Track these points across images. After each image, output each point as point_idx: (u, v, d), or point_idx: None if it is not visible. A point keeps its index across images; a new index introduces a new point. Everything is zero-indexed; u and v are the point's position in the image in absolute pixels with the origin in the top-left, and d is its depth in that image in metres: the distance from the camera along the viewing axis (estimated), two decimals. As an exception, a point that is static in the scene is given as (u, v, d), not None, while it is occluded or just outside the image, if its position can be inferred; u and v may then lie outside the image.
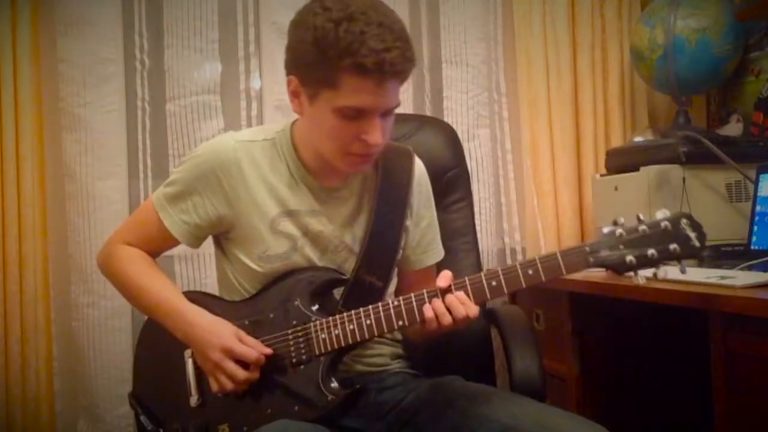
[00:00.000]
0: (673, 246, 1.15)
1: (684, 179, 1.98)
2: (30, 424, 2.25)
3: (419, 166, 1.47)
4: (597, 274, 1.91)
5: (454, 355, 1.54)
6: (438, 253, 1.51)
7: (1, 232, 2.24)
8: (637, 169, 2.06)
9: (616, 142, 2.51)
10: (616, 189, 2.19)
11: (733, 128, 2.36)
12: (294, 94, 1.28)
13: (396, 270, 1.44)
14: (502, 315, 1.65)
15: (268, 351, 1.29)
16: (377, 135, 1.23)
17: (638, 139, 2.35)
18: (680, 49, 2.23)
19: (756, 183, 1.91)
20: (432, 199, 1.50)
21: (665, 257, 1.16)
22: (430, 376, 1.43)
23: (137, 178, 2.34)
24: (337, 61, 1.17)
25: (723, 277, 1.52)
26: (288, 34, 1.26)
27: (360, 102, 1.20)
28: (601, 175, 2.33)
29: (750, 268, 1.66)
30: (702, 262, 1.86)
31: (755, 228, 1.88)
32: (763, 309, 1.30)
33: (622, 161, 2.24)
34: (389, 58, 1.16)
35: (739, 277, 1.51)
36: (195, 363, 1.35)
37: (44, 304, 2.28)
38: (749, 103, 2.34)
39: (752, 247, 1.87)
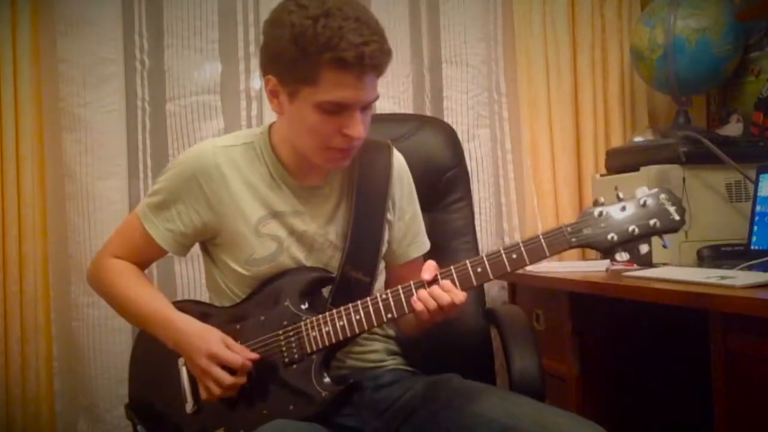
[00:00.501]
0: (653, 221, 1.16)
1: (684, 179, 1.98)
2: (30, 424, 2.25)
3: (399, 159, 1.47)
4: (597, 274, 1.92)
5: (454, 354, 1.55)
6: (423, 245, 1.51)
7: (1, 232, 2.24)
8: (637, 169, 2.06)
9: (616, 142, 2.51)
10: (616, 189, 2.17)
11: (733, 128, 2.36)
12: (272, 94, 1.29)
13: (382, 264, 1.44)
14: (501, 315, 1.65)
15: (255, 356, 1.29)
16: (359, 128, 1.25)
17: (638, 139, 2.35)
18: (680, 49, 2.23)
19: (756, 183, 1.91)
20: (414, 191, 1.50)
21: (646, 232, 1.17)
22: (428, 373, 1.43)
23: (137, 178, 2.34)
24: (317, 57, 1.18)
25: (723, 277, 1.52)
26: (263, 33, 1.27)
27: (341, 96, 1.21)
28: (601, 175, 2.32)
29: (750, 268, 1.66)
30: (702, 261, 1.87)
31: (755, 228, 1.88)
32: (763, 309, 1.30)
33: (622, 161, 2.24)
34: (368, 51, 1.18)
35: (739, 277, 1.51)
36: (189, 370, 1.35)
37: (44, 304, 2.28)
38: (749, 103, 2.33)
39: (752, 247, 1.87)
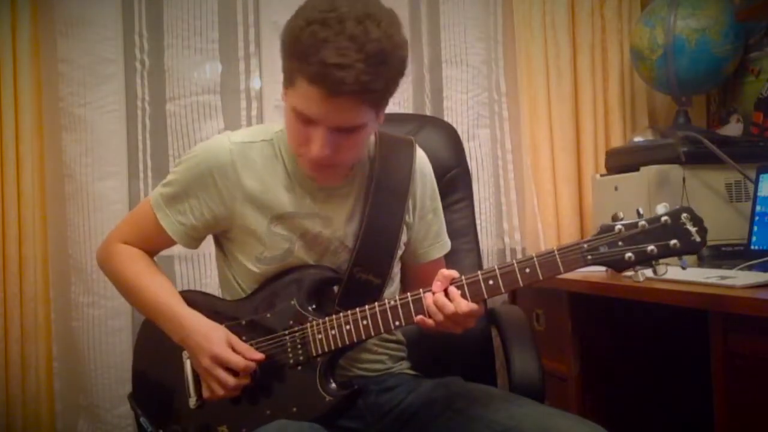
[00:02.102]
0: (673, 242, 1.13)
1: (684, 179, 1.98)
2: (30, 424, 2.25)
3: (421, 157, 1.45)
4: (597, 274, 1.91)
5: (455, 355, 1.55)
6: (445, 245, 1.49)
7: (1, 232, 2.24)
8: (637, 169, 2.06)
9: (616, 142, 2.51)
10: (616, 189, 2.19)
11: (733, 128, 2.36)
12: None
13: (397, 266, 1.42)
14: (502, 315, 1.65)
15: (259, 357, 1.29)
16: (317, 147, 1.20)
17: (638, 139, 2.35)
18: (680, 49, 2.23)
19: (756, 183, 1.91)
20: (437, 190, 1.48)
21: (665, 253, 1.13)
22: (430, 376, 1.43)
23: (137, 178, 2.34)
24: (293, 62, 1.16)
25: (723, 277, 1.52)
26: None
27: (306, 109, 1.18)
28: (601, 175, 2.33)
29: (750, 268, 1.66)
30: (702, 261, 1.87)
31: (755, 228, 1.88)
32: (763, 309, 1.30)
33: (622, 161, 2.24)
34: (339, 76, 1.10)
35: (739, 277, 1.51)
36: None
37: (44, 304, 2.28)
38: (749, 103, 2.34)
39: (752, 247, 1.87)
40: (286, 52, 1.18)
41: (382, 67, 1.14)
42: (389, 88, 1.20)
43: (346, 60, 1.10)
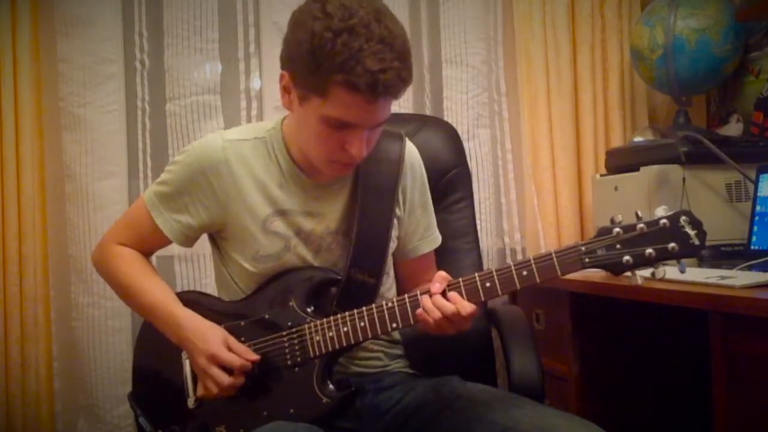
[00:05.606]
0: (671, 245, 1.12)
1: (684, 179, 1.98)
2: (30, 424, 2.25)
3: (411, 150, 1.45)
4: (597, 274, 1.91)
5: (454, 354, 1.54)
6: (435, 239, 1.50)
7: (1, 232, 2.24)
8: (637, 169, 2.06)
9: (616, 142, 2.51)
10: (616, 189, 2.19)
11: (733, 128, 2.36)
12: (285, 89, 1.27)
13: (389, 265, 1.42)
14: (502, 315, 1.65)
15: (255, 357, 1.29)
16: (361, 148, 1.23)
17: (638, 139, 2.35)
18: (680, 49, 2.23)
19: (756, 183, 1.91)
20: (427, 184, 1.48)
21: (663, 257, 1.13)
22: (429, 375, 1.43)
23: (137, 178, 2.34)
24: (330, 74, 1.15)
25: (723, 277, 1.52)
26: (287, 28, 1.23)
27: (348, 116, 1.19)
28: (601, 175, 2.32)
29: (750, 268, 1.66)
30: (702, 261, 1.87)
31: (755, 228, 1.88)
32: (763, 309, 1.30)
33: (622, 161, 2.24)
34: (384, 79, 1.13)
35: (738, 277, 1.51)
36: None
37: (44, 304, 2.28)
38: (749, 103, 2.33)
39: (752, 247, 1.87)
40: (316, 66, 1.15)
41: (409, 56, 1.19)
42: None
43: (385, 64, 1.13)
